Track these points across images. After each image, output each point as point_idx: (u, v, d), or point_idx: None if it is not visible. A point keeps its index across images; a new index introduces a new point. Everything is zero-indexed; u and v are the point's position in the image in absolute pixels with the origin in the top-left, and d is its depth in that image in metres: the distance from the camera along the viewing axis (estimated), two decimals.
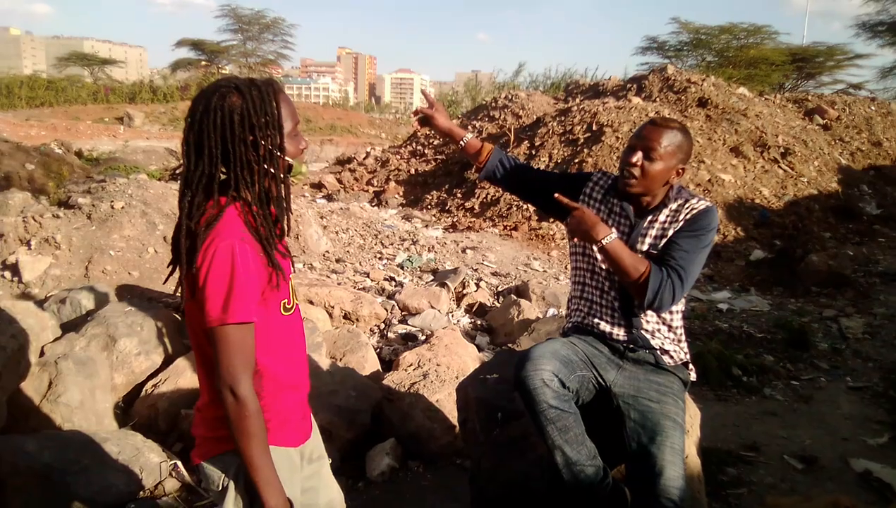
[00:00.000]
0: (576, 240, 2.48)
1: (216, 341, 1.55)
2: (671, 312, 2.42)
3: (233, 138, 1.60)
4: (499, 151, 2.75)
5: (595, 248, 2.31)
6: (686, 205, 2.36)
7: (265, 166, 1.65)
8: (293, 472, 1.75)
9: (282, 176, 1.70)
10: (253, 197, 1.66)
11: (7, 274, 5.62)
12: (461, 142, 2.71)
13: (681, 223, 2.33)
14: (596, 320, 2.48)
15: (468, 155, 2.75)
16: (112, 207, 6.46)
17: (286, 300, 1.74)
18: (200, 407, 1.74)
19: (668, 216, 2.37)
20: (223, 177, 1.64)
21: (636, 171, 2.31)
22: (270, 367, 1.71)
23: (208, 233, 1.57)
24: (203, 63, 46.76)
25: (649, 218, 2.38)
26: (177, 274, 1.65)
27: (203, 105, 1.61)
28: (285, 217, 1.73)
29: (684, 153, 2.33)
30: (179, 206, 1.63)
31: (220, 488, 1.69)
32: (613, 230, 2.27)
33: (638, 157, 2.30)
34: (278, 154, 1.66)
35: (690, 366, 2.51)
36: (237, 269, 1.55)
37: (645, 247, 2.36)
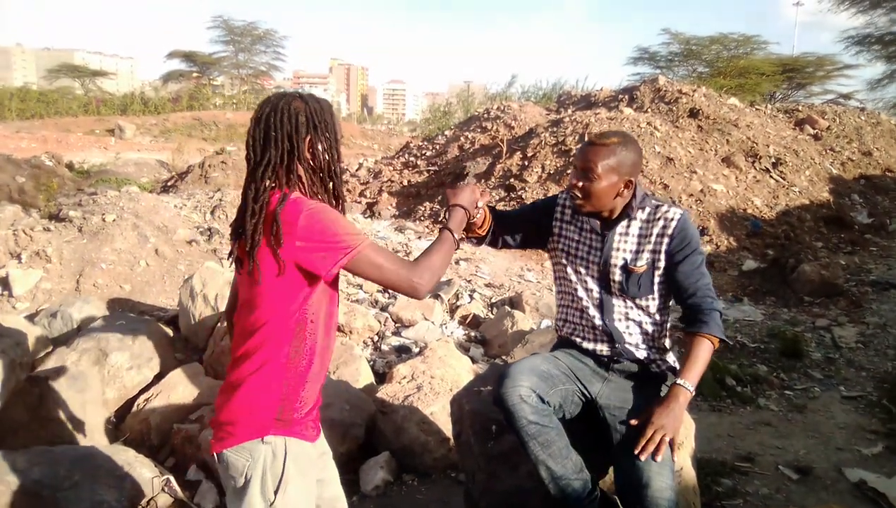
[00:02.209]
0: (563, 262, 2.54)
1: (364, 269, 1.73)
2: (655, 324, 2.45)
3: (297, 135, 1.76)
4: (496, 219, 2.60)
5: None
6: (657, 216, 2.39)
7: (315, 166, 1.83)
8: (311, 464, 1.84)
9: (335, 179, 1.88)
10: (304, 191, 1.81)
11: None
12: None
13: (663, 240, 2.36)
14: (579, 339, 2.50)
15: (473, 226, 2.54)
16: (103, 220, 6.43)
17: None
18: (233, 382, 1.78)
19: (641, 229, 2.40)
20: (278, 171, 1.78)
21: (579, 193, 2.36)
22: (319, 351, 1.83)
23: (287, 204, 1.71)
24: (195, 74, 46.82)
25: (618, 230, 2.42)
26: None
27: (271, 106, 1.78)
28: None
29: (628, 166, 2.33)
30: (244, 194, 1.78)
31: (244, 478, 1.73)
32: (688, 387, 2.25)
33: (578, 180, 2.35)
34: (335, 156, 1.86)
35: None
36: (334, 213, 1.76)
37: (619, 262, 2.40)
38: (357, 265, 1.71)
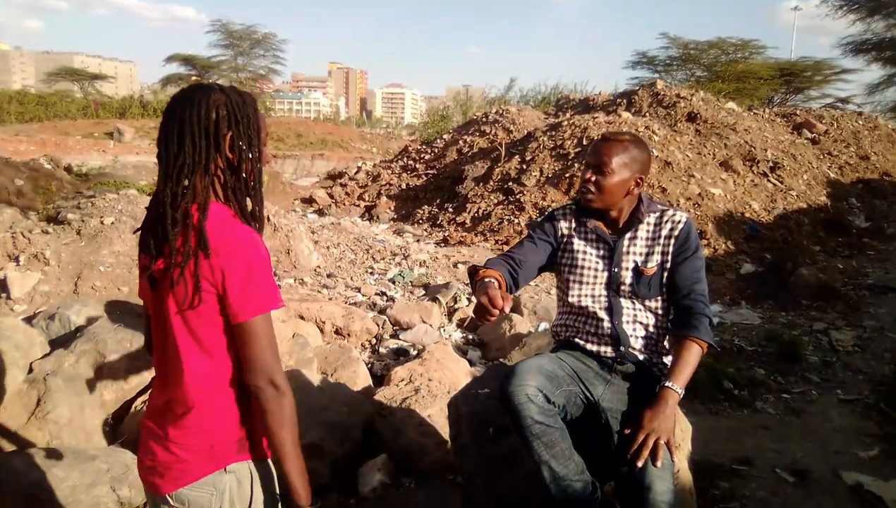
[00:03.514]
0: (566, 274, 2.55)
1: (247, 335, 1.52)
2: (658, 327, 2.47)
3: (217, 132, 1.56)
4: (505, 276, 2.51)
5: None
6: (664, 218, 2.45)
7: (237, 166, 1.62)
8: (275, 480, 1.74)
9: (255, 180, 1.67)
10: (222, 193, 1.62)
11: None
12: None
13: (671, 241, 2.41)
14: (582, 341, 2.51)
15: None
16: (101, 223, 6.43)
17: None
18: (178, 426, 1.60)
19: (648, 232, 2.45)
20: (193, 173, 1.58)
21: (592, 187, 2.40)
22: None
23: (214, 220, 1.53)
24: (194, 78, 46.76)
25: (628, 236, 2.45)
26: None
27: (186, 98, 1.57)
28: (256, 223, 1.68)
29: (639, 164, 2.40)
30: (161, 197, 1.56)
31: None
32: (676, 390, 2.26)
33: (591, 174, 2.39)
34: (257, 154, 1.64)
35: None
36: (263, 256, 1.54)
37: (630, 265, 2.43)
38: (253, 324, 1.51)
